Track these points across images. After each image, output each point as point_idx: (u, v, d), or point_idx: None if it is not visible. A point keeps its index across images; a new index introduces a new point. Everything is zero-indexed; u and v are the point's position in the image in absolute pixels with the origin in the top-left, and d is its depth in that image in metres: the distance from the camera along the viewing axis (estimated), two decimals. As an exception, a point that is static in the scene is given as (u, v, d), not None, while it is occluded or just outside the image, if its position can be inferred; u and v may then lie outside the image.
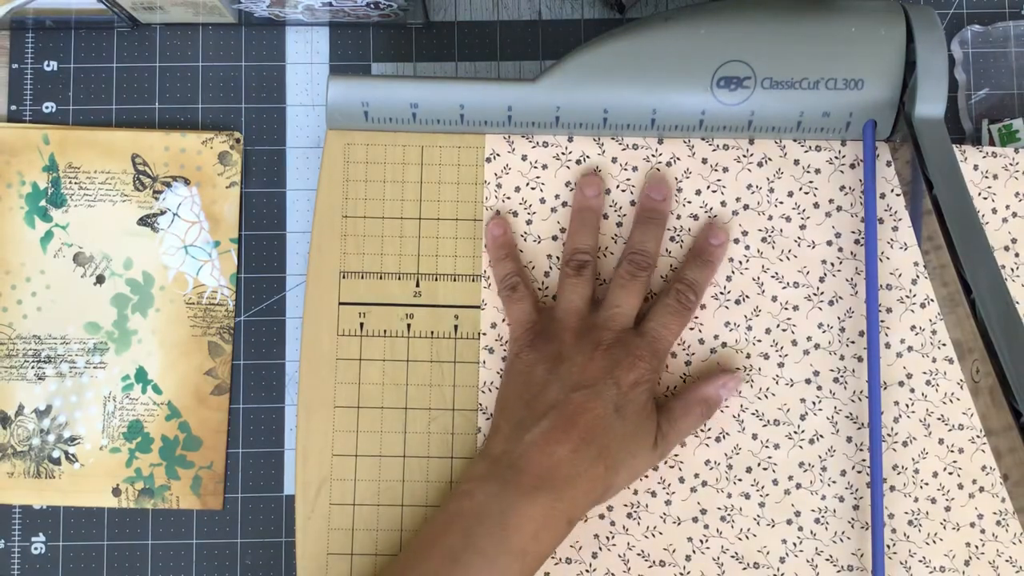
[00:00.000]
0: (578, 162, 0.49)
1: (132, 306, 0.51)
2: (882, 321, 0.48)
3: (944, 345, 0.48)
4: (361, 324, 0.48)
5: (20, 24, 0.52)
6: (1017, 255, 0.49)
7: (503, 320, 0.48)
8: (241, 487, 0.51)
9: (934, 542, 0.47)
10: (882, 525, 0.46)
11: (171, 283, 0.51)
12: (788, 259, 0.48)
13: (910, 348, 0.48)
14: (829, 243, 0.48)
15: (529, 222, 0.49)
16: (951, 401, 0.48)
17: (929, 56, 0.44)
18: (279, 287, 0.52)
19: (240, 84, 0.53)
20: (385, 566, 0.47)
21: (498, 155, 0.49)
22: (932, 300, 0.48)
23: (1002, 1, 0.53)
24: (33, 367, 0.51)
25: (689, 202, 0.49)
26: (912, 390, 0.48)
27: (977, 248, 0.39)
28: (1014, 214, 0.49)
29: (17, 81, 0.53)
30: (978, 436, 0.48)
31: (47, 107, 0.52)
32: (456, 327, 0.49)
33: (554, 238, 0.49)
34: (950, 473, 0.48)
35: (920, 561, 0.47)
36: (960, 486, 0.48)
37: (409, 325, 0.49)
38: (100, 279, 0.51)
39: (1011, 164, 0.49)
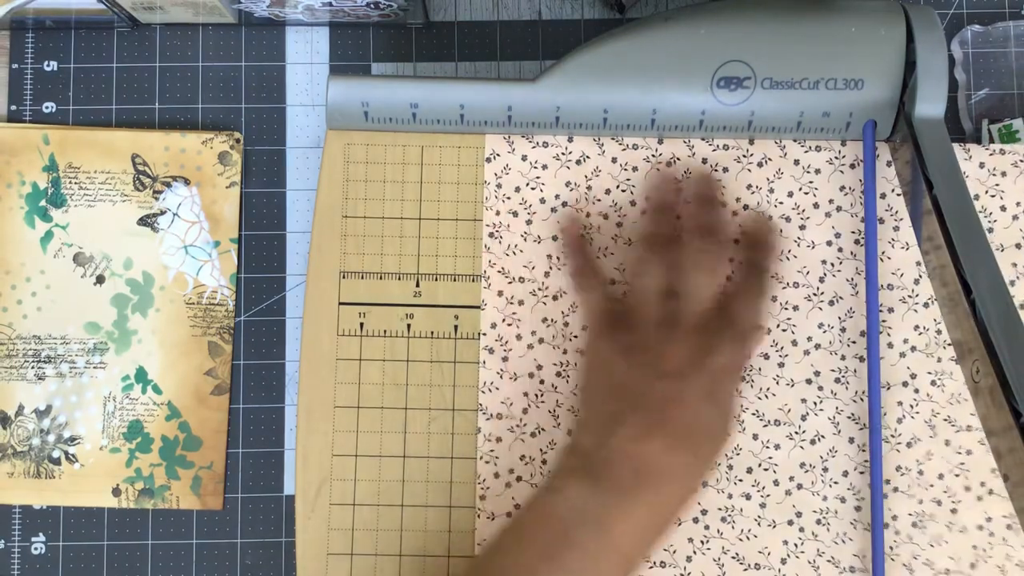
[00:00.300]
0: (578, 162, 0.49)
1: (132, 306, 0.51)
2: (884, 321, 0.48)
3: (949, 345, 0.48)
4: (361, 324, 0.48)
5: (20, 24, 0.52)
6: None
7: (503, 321, 0.48)
8: (241, 487, 0.51)
9: (939, 544, 0.47)
10: (882, 526, 0.46)
11: (171, 283, 0.51)
12: (788, 259, 0.48)
13: (913, 348, 0.48)
14: (829, 243, 0.48)
15: (529, 222, 0.49)
16: (958, 402, 0.48)
17: (929, 56, 0.44)
18: (279, 287, 0.52)
19: (240, 84, 0.53)
20: (473, 562, 0.46)
21: (498, 155, 0.49)
22: (935, 300, 0.48)
23: (1002, 1, 0.53)
24: (33, 367, 0.51)
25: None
26: (916, 390, 0.48)
27: (977, 248, 0.39)
28: None
29: (17, 81, 0.53)
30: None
31: (47, 107, 0.52)
32: (456, 327, 0.49)
33: (554, 238, 0.49)
34: (956, 475, 0.47)
35: (924, 563, 0.47)
36: (967, 488, 0.47)
37: (409, 325, 0.49)
38: (100, 279, 0.51)
39: (1021, 161, 0.48)
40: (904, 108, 0.45)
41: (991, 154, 0.48)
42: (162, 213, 0.52)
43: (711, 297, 0.45)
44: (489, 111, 0.47)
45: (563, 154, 0.49)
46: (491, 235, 0.49)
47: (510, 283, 0.49)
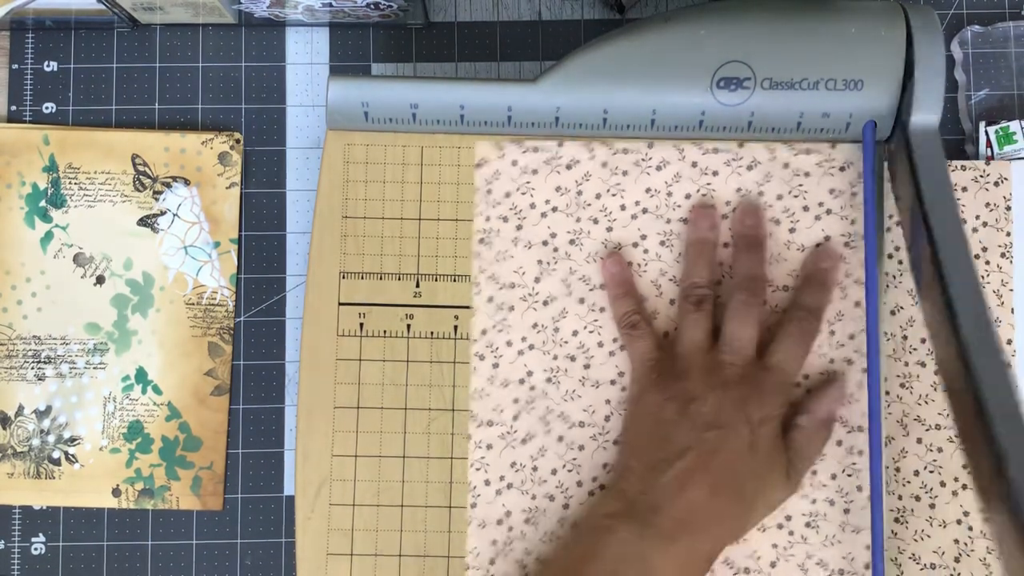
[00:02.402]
0: (568, 167, 0.49)
1: (132, 306, 0.51)
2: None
3: (915, 350, 0.49)
4: (361, 324, 0.48)
5: (20, 24, 0.52)
6: (987, 263, 0.49)
7: (494, 327, 0.48)
8: (241, 487, 0.51)
9: (922, 539, 0.48)
10: (881, 526, 0.46)
11: (171, 284, 0.51)
12: (777, 262, 0.48)
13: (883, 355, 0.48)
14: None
15: (519, 227, 0.49)
16: (926, 403, 0.48)
17: (927, 62, 0.44)
18: (279, 287, 0.52)
19: (240, 85, 0.53)
20: None
21: (487, 161, 0.49)
22: (901, 308, 0.49)
23: (1002, 1, 0.53)
24: (33, 368, 0.51)
25: (679, 206, 0.49)
26: (887, 392, 0.48)
27: (960, 257, 0.40)
28: (984, 224, 0.49)
29: (17, 81, 0.53)
30: (956, 435, 0.48)
31: (47, 107, 0.52)
32: (456, 327, 0.49)
33: (544, 243, 0.49)
34: (931, 472, 0.48)
35: (910, 558, 0.48)
36: (943, 483, 0.48)
37: (409, 326, 0.49)
38: (100, 280, 0.51)
39: (981, 176, 0.49)
40: (900, 116, 0.45)
41: (954, 170, 0.49)
42: (162, 214, 0.52)
43: (754, 346, 0.46)
44: (489, 112, 0.47)
45: (553, 159, 0.49)
46: (481, 241, 0.49)
47: (500, 289, 0.49)
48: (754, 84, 0.46)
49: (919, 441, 0.48)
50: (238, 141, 0.52)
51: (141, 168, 0.52)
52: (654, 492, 0.43)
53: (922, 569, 0.48)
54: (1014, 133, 0.50)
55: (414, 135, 0.49)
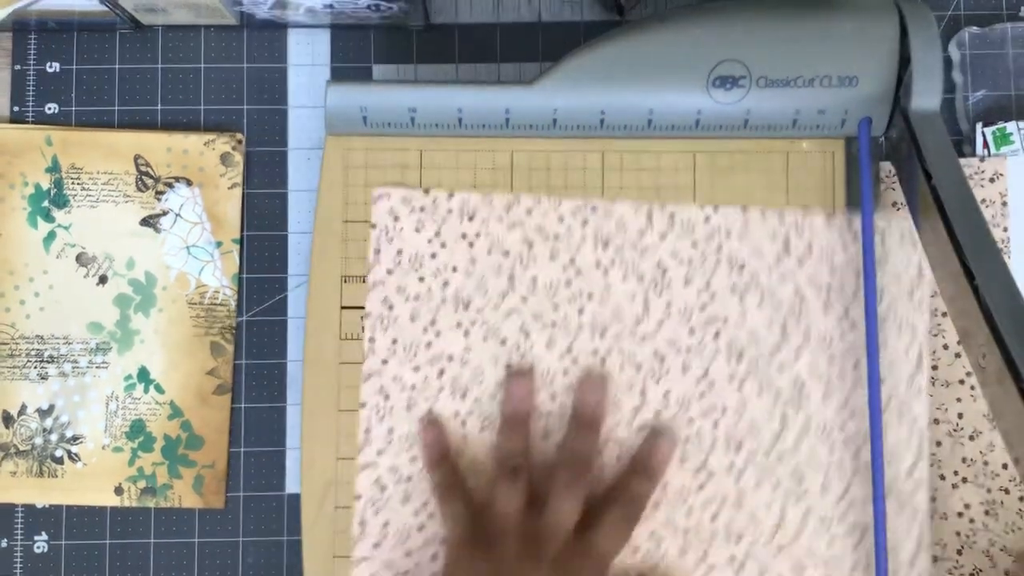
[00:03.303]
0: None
1: (135, 306, 0.51)
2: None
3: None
4: (363, 328, 0.48)
5: (23, 25, 0.53)
6: None
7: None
8: (243, 486, 0.51)
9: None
10: (883, 524, 0.46)
11: (173, 283, 0.52)
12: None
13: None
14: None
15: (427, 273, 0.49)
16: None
17: (923, 50, 0.44)
18: (281, 287, 0.52)
19: (242, 86, 0.53)
20: None
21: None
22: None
23: (999, 3, 0.53)
24: (36, 367, 0.51)
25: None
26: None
27: (978, 234, 0.40)
28: None
29: (20, 82, 0.53)
30: (955, 430, 0.48)
31: (50, 108, 0.53)
32: (456, 327, 0.49)
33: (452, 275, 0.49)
34: (931, 465, 0.48)
35: None
36: (942, 477, 0.48)
37: (409, 325, 0.49)
38: (103, 279, 0.52)
39: (976, 173, 0.50)
40: (900, 103, 0.45)
41: None
42: (164, 214, 0.52)
43: (574, 522, 0.44)
44: (487, 115, 0.48)
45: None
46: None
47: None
48: (749, 82, 0.46)
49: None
50: (240, 142, 0.52)
51: (143, 168, 0.52)
52: None
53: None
54: (1011, 134, 0.50)
55: (413, 139, 0.49)
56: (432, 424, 0.47)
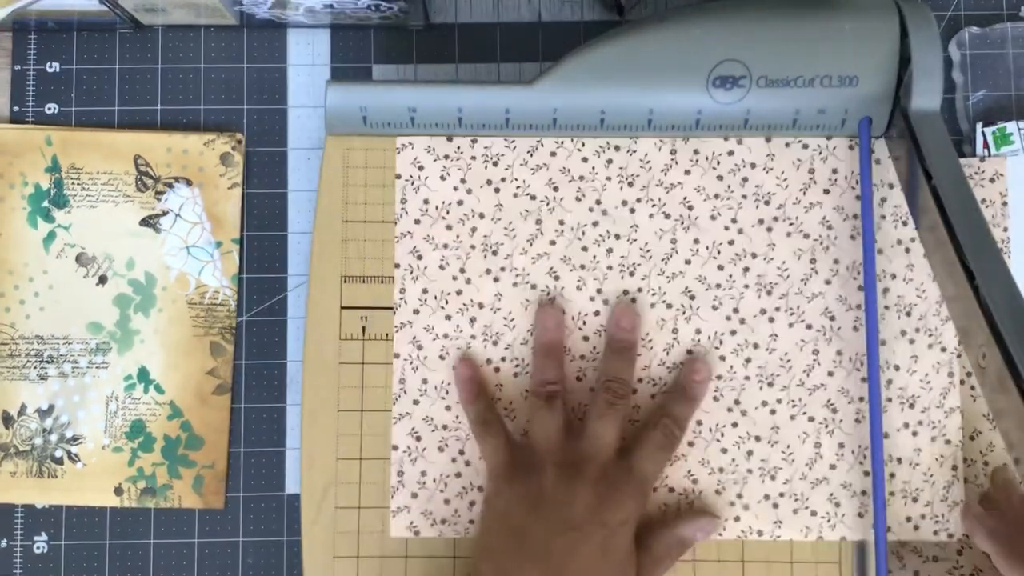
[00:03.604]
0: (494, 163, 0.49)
1: (134, 306, 0.51)
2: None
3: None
4: (363, 328, 0.49)
5: (22, 25, 0.53)
6: None
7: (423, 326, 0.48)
8: (243, 486, 0.51)
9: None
10: (883, 521, 0.46)
11: (173, 283, 0.52)
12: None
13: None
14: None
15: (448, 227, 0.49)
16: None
17: (924, 50, 0.44)
18: (280, 287, 0.52)
19: (242, 86, 0.53)
20: None
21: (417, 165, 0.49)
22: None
23: (1000, 3, 0.53)
24: (36, 367, 0.51)
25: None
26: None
27: (979, 235, 0.40)
28: None
29: (20, 82, 0.53)
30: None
31: (50, 108, 0.53)
32: (456, 327, 0.49)
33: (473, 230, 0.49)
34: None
35: (912, 551, 0.48)
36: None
37: (410, 326, 0.49)
38: (102, 279, 0.52)
39: (976, 173, 0.50)
40: (900, 102, 0.45)
41: None
42: (164, 214, 0.52)
43: (615, 446, 0.45)
44: (487, 114, 0.48)
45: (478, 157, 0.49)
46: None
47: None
48: (750, 82, 0.46)
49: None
50: (240, 142, 0.52)
51: (143, 169, 0.52)
52: None
53: (924, 562, 0.48)
54: (1011, 134, 0.50)
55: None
56: (467, 360, 0.48)
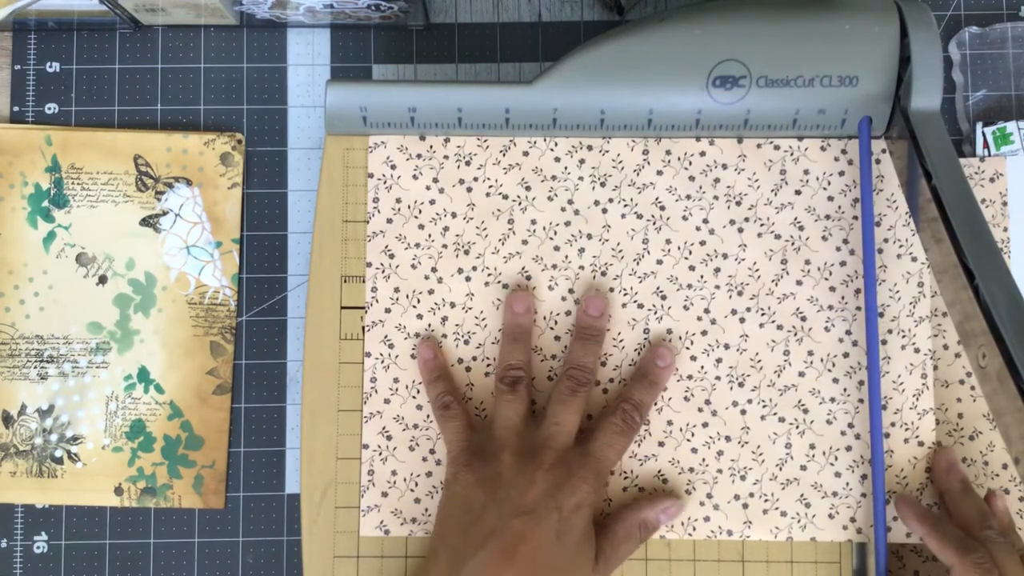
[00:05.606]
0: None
1: (134, 306, 0.51)
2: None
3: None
4: (363, 328, 0.49)
5: (22, 25, 0.53)
6: None
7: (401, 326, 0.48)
8: (243, 486, 0.51)
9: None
10: (883, 521, 0.46)
11: (173, 283, 0.52)
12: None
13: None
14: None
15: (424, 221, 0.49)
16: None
17: (923, 50, 0.44)
18: (280, 287, 0.52)
19: (242, 85, 0.53)
20: None
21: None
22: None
23: (1000, 2, 0.53)
24: (36, 367, 0.51)
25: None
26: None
27: (979, 235, 0.40)
28: None
29: (20, 82, 0.53)
30: (955, 430, 0.48)
31: (50, 108, 0.53)
32: (456, 326, 0.49)
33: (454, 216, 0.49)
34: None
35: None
36: None
37: (409, 325, 0.49)
38: (102, 279, 0.52)
39: (976, 172, 0.50)
40: (900, 102, 0.45)
41: None
42: (164, 214, 0.52)
43: (574, 432, 0.45)
44: (487, 114, 0.48)
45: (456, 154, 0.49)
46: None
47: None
48: (750, 82, 0.46)
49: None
50: (240, 142, 0.52)
51: (143, 168, 0.52)
52: None
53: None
54: (1011, 134, 0.50)
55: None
56: (428, 342, 0.48)
